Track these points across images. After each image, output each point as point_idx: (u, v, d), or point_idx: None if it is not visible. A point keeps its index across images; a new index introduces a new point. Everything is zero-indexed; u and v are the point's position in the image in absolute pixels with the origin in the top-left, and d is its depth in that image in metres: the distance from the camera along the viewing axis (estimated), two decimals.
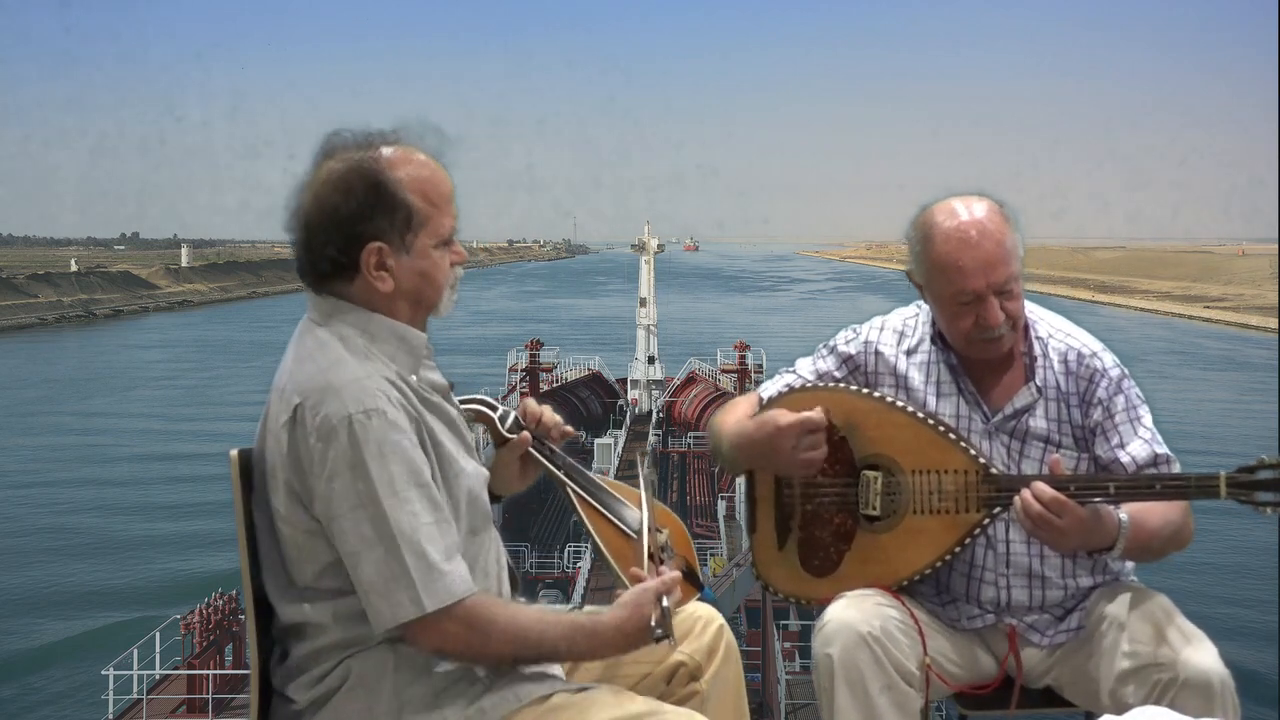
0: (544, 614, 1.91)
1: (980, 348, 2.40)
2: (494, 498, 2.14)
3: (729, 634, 2.20)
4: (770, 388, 2.58)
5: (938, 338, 2.48)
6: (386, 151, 1.93)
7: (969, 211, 2.35)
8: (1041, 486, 2.22)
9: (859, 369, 2.53)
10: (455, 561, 1.86)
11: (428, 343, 2.00)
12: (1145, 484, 2.26)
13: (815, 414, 2.38)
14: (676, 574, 2.02)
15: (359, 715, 1.87)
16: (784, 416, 2.38)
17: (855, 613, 2.31)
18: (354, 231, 1.90)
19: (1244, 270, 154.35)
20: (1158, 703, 2.16)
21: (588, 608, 2.06)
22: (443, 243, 1.97)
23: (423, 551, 1.82)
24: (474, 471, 2.00)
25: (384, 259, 1.92)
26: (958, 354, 2.46)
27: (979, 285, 2.32)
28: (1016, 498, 2.26)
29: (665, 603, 1.93)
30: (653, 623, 1.90)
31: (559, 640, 1.90)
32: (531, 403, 2.24)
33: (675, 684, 2.12)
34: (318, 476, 1.83)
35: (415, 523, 1.83)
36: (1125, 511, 2.26)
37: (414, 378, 1.95)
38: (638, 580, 2.00)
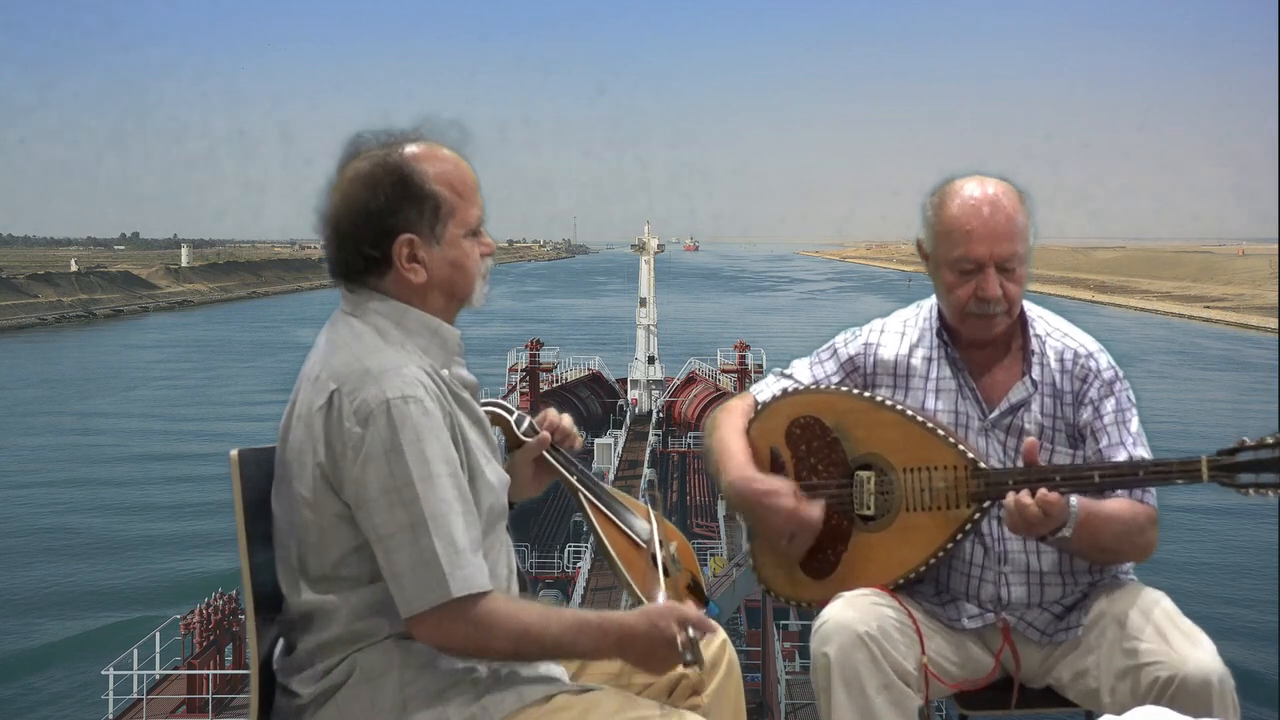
0: (548, 611, 1.91)
1: (973, 324, 2.41)
2: (508, 504, 2.15)
3: (731, 650, 2.21)
4: (764, 391, 2.59)
5: (941, 331, 2.49)
6: (411, 148, 1.97)
7: (987, 187, 2.39)
8: (1043, 494, 2.24)
9: (858, 370, 2.55)
10: (479, 554, 1.88)
11: (460, 339, 2.03)
12: (1129, 471, 2.30)
13: (815, 516, 2.40)
14: (711, 621, 2.02)
15: (363, 710, 1.88)
16: (785, 500, 2.39)
17: (852, 612, 2.32)
18: (384, 225, 1.93)
19: (1244, 270, 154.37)
20: (1157, 701, 2.17)
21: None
22: (471, 233, 2.00)
23: (452, 539, 1.84)
24: (495, 472, 2.01)
25: (415, 251, 1.95)
26: (959, 347, 2.47)
27: (982, 253, 2.35)
28: (1010, 496, 2.27)
29: (694, 634, 1.93)
30: (680, 647, 1.90)
31: (562, 635, 1.90)
32: (552, 411, 2.27)
33: (676, 696, 2.12)
34: (352, 460, 1.84)
35: (447, 510, 1.85)
36: (1075, 498, 2.28)
37: (445, 372, 1.96)
38: (653, 597, 2.01)
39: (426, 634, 1.86)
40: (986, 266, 2.35)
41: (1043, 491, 2.24)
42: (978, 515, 2.37)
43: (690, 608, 1.97)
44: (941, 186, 2.44)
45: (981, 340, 2.45)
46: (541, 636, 1.89)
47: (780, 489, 2.41)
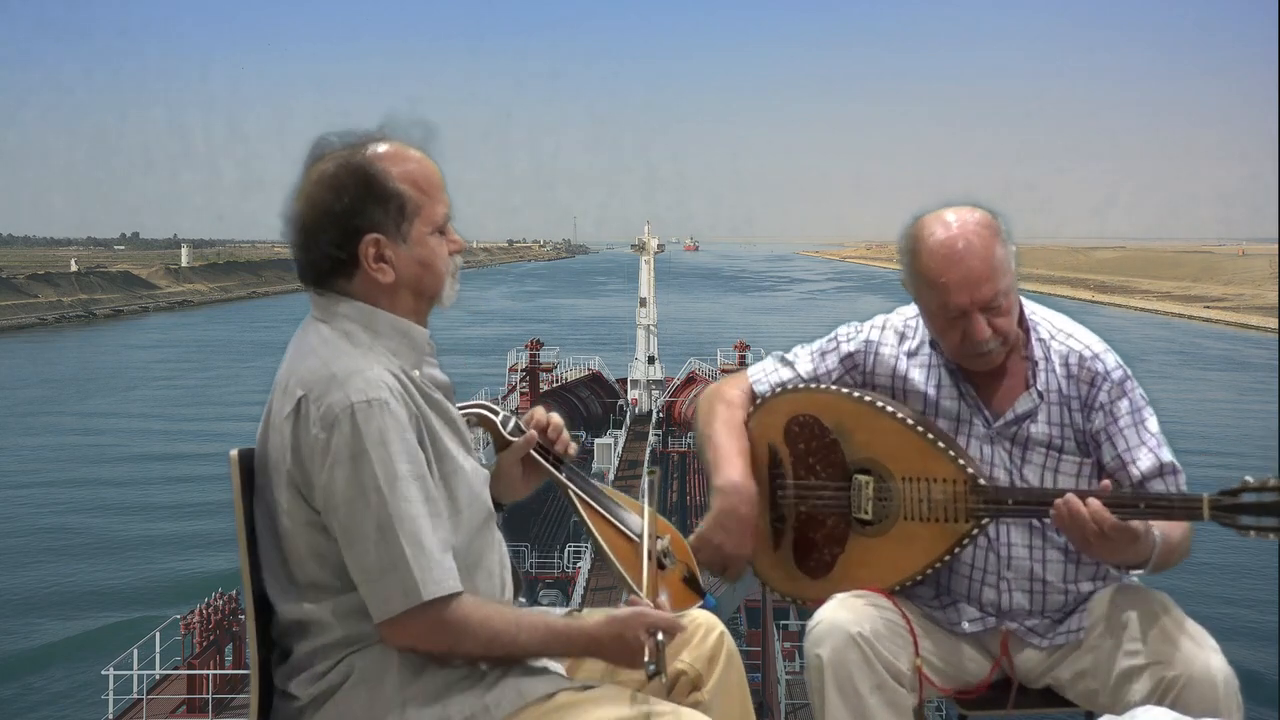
0: (520, 618, 1.92)
1: (971, 360, 2.39)
2: (497, 505, 2.14)
3: (730, 641, 2.19)
4: (764, 379, 2.56)
5: (934, 343, 2.46)
6: (374, 148, 1.97)
7: (957, 225, 2.31)
8: (1094, 503, 2.19)
9: (858, 367, 2.52)
10: (448, 556, 1.88)
11: (430, 339, 2.02)
12: (1130, 502, 2.21)
13: (745, 571, 2.47)
14: (680, 623, 2.02)
15: (362, 711, 1.87)
16: (745, 538, 2.44)
17: (846, 613, 2.31)
18: (350, 226, 1.93)
19: (1244, 270, 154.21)
20: (1160, 702, 2.16)
21: (587, 610, 2.06)
22: (438, 230, 1.99)
23: (419, 542, 1.84)
24: (473, 469, 2.01)
25: (382, 250, 1.94)
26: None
27: (964, 302, 2.30)
28: (1060, 503, 2.22)
29: (660, 637, 1.93)
30: (646, 658, 1.91)
31: (529, 644, 1.92)
32: (539, 409, 2.26)
33: (676, 694, 2.11)
34: (319, 466, 1.84)
35: (413, 512, 1.84)
36: (1158, 529, 2.23)
37: (416, 373, 1.96)
38: (635, 605, 2.00)
39: (397, 637, 1.86)
40: (971, 313, 2.31)
41: (1111, 518, 2.18)
42: (975, 531, 2.35)
43: (658, 612, 1.97)
44: (910, 229, 2.36)
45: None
46: (511, 644, 1.90)
47: (753, 528, 2.45)
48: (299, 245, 1.96)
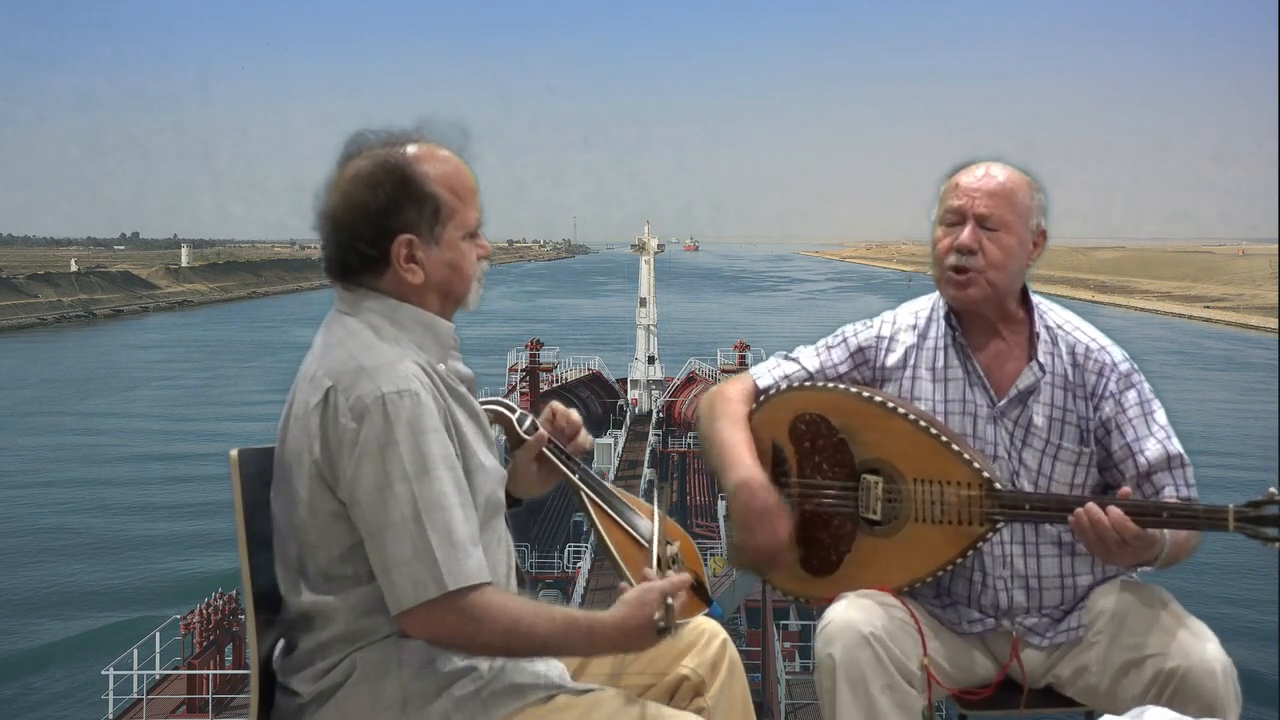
0: (540, 608, 1.90)
1: (951, 283, 2.40)
2: (513, 501, 2.14)
3: (732, 648, 2.19)
4: (766, 375, 2.56)
5: (949, 316, 2.47)
6: (411, 148, 1.97)
7: (997, 165, 2.42)
8: (1115, 512, 2.19)
9: (868, 362, 2.52)
10: (478, 548, 1.87)
11: (454, 333, 2.03)
12: (1153, 511, 2.21)
13: (786, 558, 2.41)
14: (686, 577, 2.01)
15: (363, 709, 1.87)
16: (780, 528, 2.38)
17: (857, 613, 2.30)
18: (384, 225, 1.93)
19: (1244, 270, 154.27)
20: (1160, 693, 2.18)
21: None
22: (469, 235, 2.00)
23: (449, 532, 1.83)
24: (492, 466, 2.01)
25: (414, 251, 1.95)
26: (967, 334, 2.45)
27: (964, 203, 2.37)
28: (1081, 512, 2.21)
29: (671, 601, 1.92)
30: (656, 617, 1.89)
31: (552, 635, 1.89)
32: (558, 404, 2.26)
33: (679, 699, 2.11)
34: (348, 456, 1.84)
35: (443, 503, 1.84)
36: (1168, 535, 2.23)
37: (441, 367, 1.97)
38: (645, 580, 1.98)
39: (418, 627, 1.85)
40: (966, 220, 2.37)
41: (1133, 527, 2.17)
42: (990, 535, 2.35)
43: (664, 580, 1.95)
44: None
45: (969, 308, 2.42)
46: (530, 633, 1.87)
47: (779, 513, 2.38)
48: (331, 240, 1.96)
